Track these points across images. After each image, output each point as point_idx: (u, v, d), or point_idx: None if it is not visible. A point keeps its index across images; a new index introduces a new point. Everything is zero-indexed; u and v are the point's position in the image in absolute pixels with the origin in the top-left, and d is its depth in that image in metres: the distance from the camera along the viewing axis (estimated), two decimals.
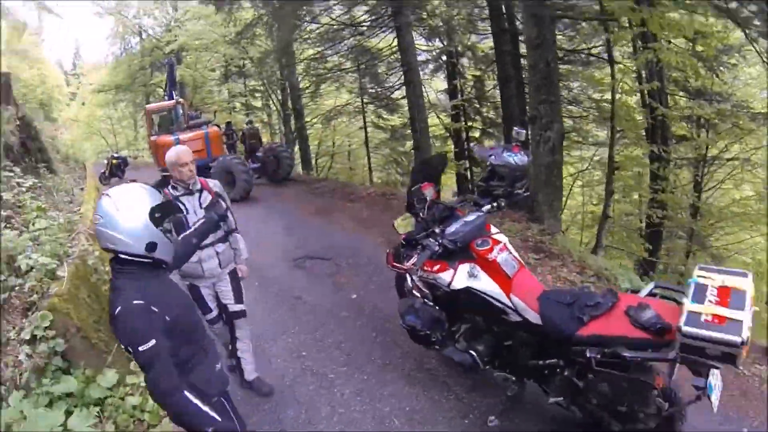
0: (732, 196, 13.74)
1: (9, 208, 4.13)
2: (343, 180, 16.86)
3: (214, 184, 3.49)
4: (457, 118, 14.96)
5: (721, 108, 10.96)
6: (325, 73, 16.66)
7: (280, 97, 20.64)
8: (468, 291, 3.05)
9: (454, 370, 3.77)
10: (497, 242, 3.16)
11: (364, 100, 17.18)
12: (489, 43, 13.70)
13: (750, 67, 12.02)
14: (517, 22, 11.53)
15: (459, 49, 14.57)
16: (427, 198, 3.38)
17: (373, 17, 13.54)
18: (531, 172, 6.53)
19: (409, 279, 3.39)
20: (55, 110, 34.56)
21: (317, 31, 14.46)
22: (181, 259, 2.45)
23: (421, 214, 3.36)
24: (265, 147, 13.58)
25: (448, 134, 16.50)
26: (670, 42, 9.34)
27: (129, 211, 1.94)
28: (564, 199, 11.85)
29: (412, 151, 13.97)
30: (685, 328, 2.19)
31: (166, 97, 13.06)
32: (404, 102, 14.57)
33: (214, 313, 3.57)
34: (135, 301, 1.88)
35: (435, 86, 17.24)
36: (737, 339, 2.10)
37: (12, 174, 4.86)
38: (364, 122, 17.69)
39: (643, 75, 10.74)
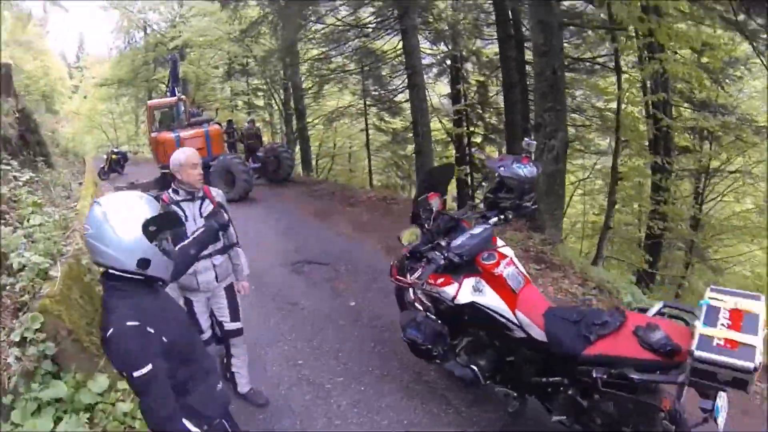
0: (732, 208, 13.76)
1: (4, 203, 4.05)
2: (342, 182, 16.82)
3: (217, 193, 3.33)
4: (460, 123, 14.97)
5: (726, 120, 10.94)
6: (329, 74, 16.69)
7: (282, 97, 20.65)
8: (472, 306, 2.98)
9: (454, 383, 3.69)
10: (504, 256, 3.09)
11: (367, 103, 17.15)
12: (494, 48, 13.72)
13: (755, 80, 12.03)
14: (524, 29, 11.53)
15: (464, 53, 14.55)
16: (433, 209, 3.30)
17: (379, 19, 13.53)
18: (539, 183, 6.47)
19: (410, 291, 3.31)
20: (57, 102, 34.67)
21: (322, 32, 14.46)
22: (179, 272, 2.28)
23: (426, 225, 3.27)
24: (266, 147, 13.53)
25: (449, 139, 16.52)
26: (675, 53, 9.33)
27: (120, 222, 1.76)
28: (564, 207, 11.81)
29: (413, 154, 13.94)
30: (698, 353, 2.13)
31: (168, 94, 12.99)
32: (406, 105, 14.59)
33: (207, 334, 3.37)
34: (129, 322, 1.72)
35: (438, 90, 17.25)
36: (750, 365, 2.04)
37: (9, 167, 4.77)
38: (366, 124, 17.70)
39: (648, 85, 10.71)
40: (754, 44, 8.24)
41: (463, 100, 14.91)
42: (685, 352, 2.21)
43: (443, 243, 3.14)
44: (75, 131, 29.58)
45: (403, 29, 11.87)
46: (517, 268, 3.08)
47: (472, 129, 15.34)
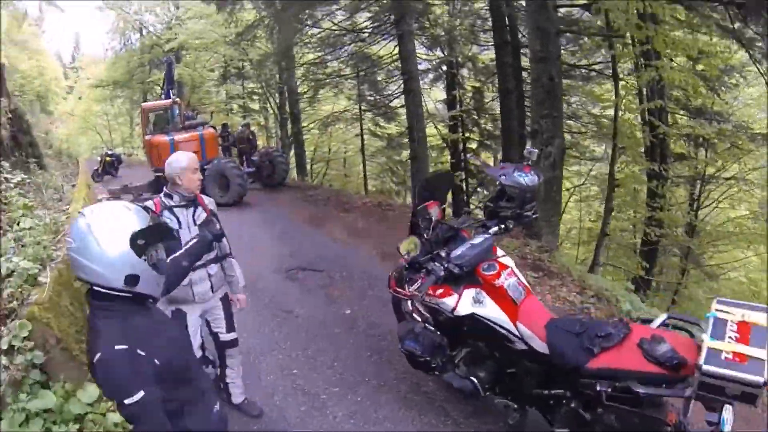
0: (727, 215, 13.83)
1: None
2: (337, 187, 16.77)
3: (209, 201, 3.20)
4: (455, 129, 14.95)
5: (722, 128, 11.00)
6: (324, 79, 16.63)
7: (277, 101, 20.56)
8: (472, 317, 2.91)
9: (452, 394, 3.61)
10: (504, 267, 3.03)
11: (362, 108, 17.11)
12: (490, 54, 13.72)
13: (750, 87, 12.11)
14: (520, 35, 11.52)
15: (460, 59, 14.55)
16: (432, 218, 3.24)
17: (375, 24, 13.49)
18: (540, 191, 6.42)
19: (408, 302, 3.24)
20: (52, 103, 34.53)
21: (318, 36, 14.41)
22: (170, 285, 2.15)
23: (425, 234, 3.21)
24: (261, 151, 13.44)
25: (445, 145, 16.49)
26: (672, 60, 9.36)
27: (105, 235, 1.61)
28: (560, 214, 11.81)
29: (408, 160, 13.90)
30: (706, 367, 2.08)
31: (163, 96, 12.90)
32: (402, 110, 14.56)
33: (198, 354, 3.18)
34: (117, 346, 1.58)
35: (434, 96, 17.22)
36: (759, 379, 2.00)
37: (0, 169, 4.69)
38: (361, 129, 17.68)
39: (644, 92, 10.74)
40: (750, 52, 8.30)
41: (458, 106, 14.91)
42: (692, 365, 2.17)
43: (443, 254, 3.08)
44: (69, 132, 29.46)
45: (400, 34, 11.84)
46: (518, 278, 3.02)
47: (467, 135, 15.31)
